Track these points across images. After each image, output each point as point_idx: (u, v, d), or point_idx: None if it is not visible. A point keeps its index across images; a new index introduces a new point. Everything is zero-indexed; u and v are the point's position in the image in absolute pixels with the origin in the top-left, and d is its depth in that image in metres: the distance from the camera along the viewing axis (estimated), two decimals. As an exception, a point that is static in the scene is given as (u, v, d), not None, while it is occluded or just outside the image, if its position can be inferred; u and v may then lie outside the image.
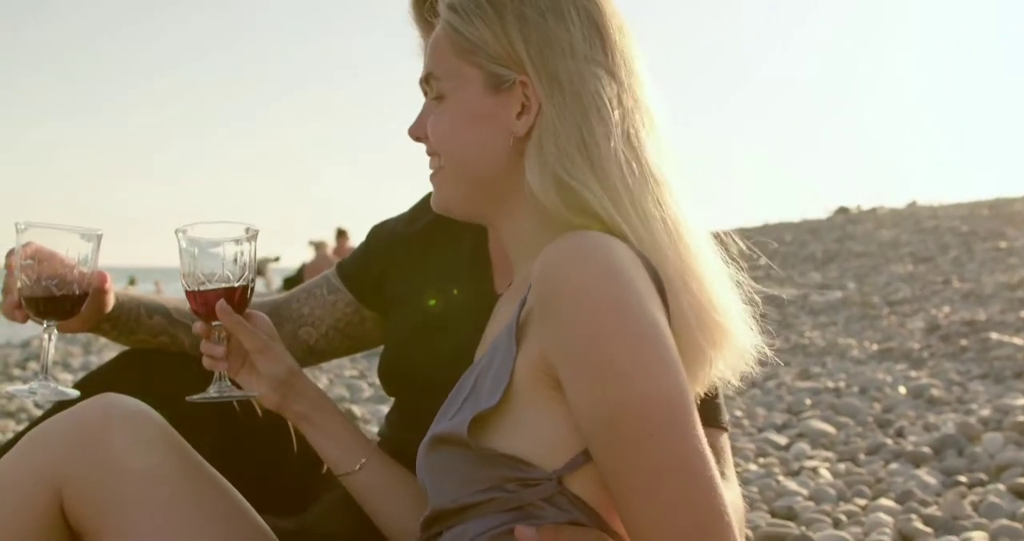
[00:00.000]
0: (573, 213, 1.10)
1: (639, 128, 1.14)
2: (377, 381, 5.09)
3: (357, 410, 4.17)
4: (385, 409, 4.26)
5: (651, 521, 0.96)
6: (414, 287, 1.61)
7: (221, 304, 1.32)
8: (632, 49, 1.17)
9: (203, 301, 1.33)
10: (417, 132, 1.24)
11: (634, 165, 1.11)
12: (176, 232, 1.33)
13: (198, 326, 1.35)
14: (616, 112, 1.12)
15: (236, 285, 1.33)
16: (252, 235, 1.34)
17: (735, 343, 1.14)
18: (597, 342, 0.97)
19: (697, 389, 1.15)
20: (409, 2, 1.58)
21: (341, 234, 14.75)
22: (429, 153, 1.23)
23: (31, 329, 1.57)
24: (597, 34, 1.15)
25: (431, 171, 1.24)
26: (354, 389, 4.97)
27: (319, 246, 14.59)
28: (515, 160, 1.15)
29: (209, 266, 1.32)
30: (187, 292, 1.35)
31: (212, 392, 1.34)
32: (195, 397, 1.34)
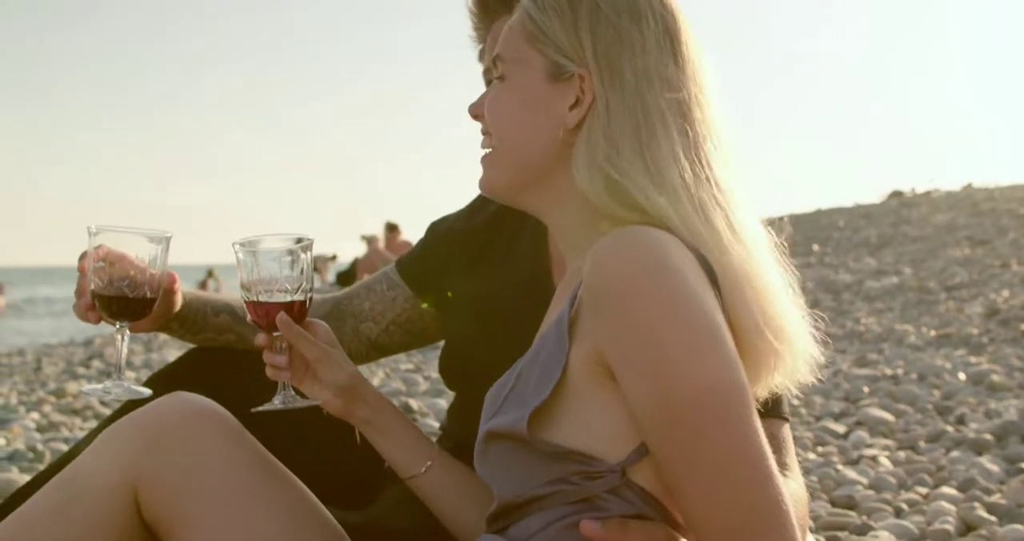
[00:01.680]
0: (621, 208, 1.11)
1: (704, 138, 1.15)
2: (433, 374, 5.13)
3: (413, 403, 4.21)
4: (441, 402, 4.30)
5: (708, 513, 0.97)
6: (474, 282, 1.63)
7: (281, 317, 1.32)
8: (703, 62, 1.19)
9: (263, 313, 1.34)
10: (476, 110, 1.28)
11: (696, 169, 1.12)
12: (233, 245, 1.35)
13: (260, 338, 1.36)
14: (680, 118, 1.14)
15: (295, 299, 1.34)
16: (307, 245, 1.35)
17: (795, 349, 1.14)
18: (651, 335, 0.99)
19: (759, 392, 1.15)
20: None
21: (392, 228, 14.83)
22: (483, 132, 1.26)
23: (93, 327, 1.61)
24: (670, 42, 1.17)
25: (483, 151, 1.27)
26: (410, 383, 5.02)
27: (370, 240, 14.69)
28: (564, 151, 1.17)
29: (267, 278, 1.33)
30: (246, 303, 1.36)
31: (277, 402, 1.35)
32: (260, 408, 1.35)
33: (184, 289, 1.64)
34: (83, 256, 1.46)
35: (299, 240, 1.35)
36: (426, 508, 1.39)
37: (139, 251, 1.45)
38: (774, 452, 1.36)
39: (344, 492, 1.51)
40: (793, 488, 1.33)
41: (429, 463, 1.37)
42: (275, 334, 1.35)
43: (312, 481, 1.35)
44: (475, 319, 1.60)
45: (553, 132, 1.17)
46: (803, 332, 1.16)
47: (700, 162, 1.13)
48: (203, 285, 18.80)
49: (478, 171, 1.28)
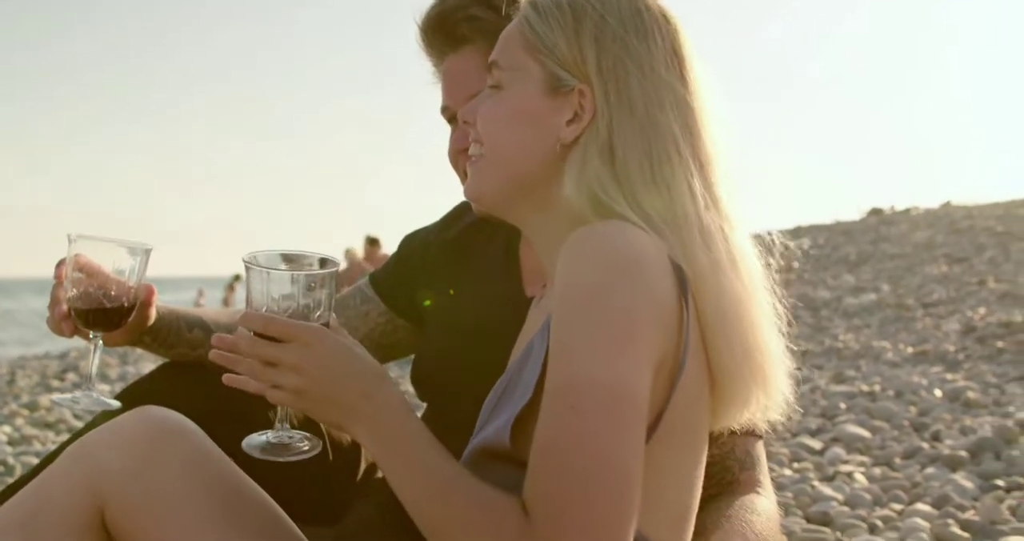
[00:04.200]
0: (602, 218, 1.10)
1: (711, 163, 1.14)
2: (409, 388, 5.11)
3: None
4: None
5: (538, 493, 0.98)
6: (447, 294, 1.63)
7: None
8: (709, 82, 1.17)
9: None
10: (468, 116, 1.24)
11: (706, 195, 1.12)
12: (245, 260, 1.15)
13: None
14: (689, 141, 1.12)
15: (319, 321, 1.13)
16: (330, 270, 1.15)
17: (771, 388, 1.14)
18: (565, 321, 1.01)
19: (729, 424, 1.16)
20: (421, 32, 1.58)
21: (372, 242, 14.79)
22: (473, 139, 1.23)
23: (70, 341, 1.60)
24: (676, 60, 1.15)
25: (472, 157, 1.24)
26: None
27: (348, 253, 14.65)
28: (556, 165, 1.15)
29: (282, 297, 1.14)
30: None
31: (271, 438, 1.21)
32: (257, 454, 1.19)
33: (158, 303, 1.63)
34: (60, 264, 1.44)
35: (323, 260, 1.17)
36: (396, 525, 1.38)
37: (118, 262, 1.44)
38: (746, 469, 1.39)
39: (314, 509, 1.50)
40: (765, 505, 1.34)
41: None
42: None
43: (282, 497, 1.34)
44: (448, 331, 1.60)
45: (548, 146, 1.15)
46: (781, 372, 1.16)
47: (709, 190, 1.12)
48: (231, 288, 18.38)
49: (468, 165, 1.24)
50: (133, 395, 1.59)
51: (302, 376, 1.07)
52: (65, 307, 1.43)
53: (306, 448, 1.20)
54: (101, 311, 1.42)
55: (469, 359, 1.48)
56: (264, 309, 1.13)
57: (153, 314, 1.60)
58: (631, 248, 1.03)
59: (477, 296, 1.59)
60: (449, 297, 1.63)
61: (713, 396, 1.12)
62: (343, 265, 14.97)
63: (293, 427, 1.21)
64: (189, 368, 1.67)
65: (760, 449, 1.42)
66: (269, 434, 1.21)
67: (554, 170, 1.16)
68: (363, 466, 1.74)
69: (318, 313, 1.13)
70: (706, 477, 1.15)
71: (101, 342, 1.45)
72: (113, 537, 1.23)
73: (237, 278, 22.36)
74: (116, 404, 1.41)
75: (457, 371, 1.39)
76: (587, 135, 1.13)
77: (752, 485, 1.36)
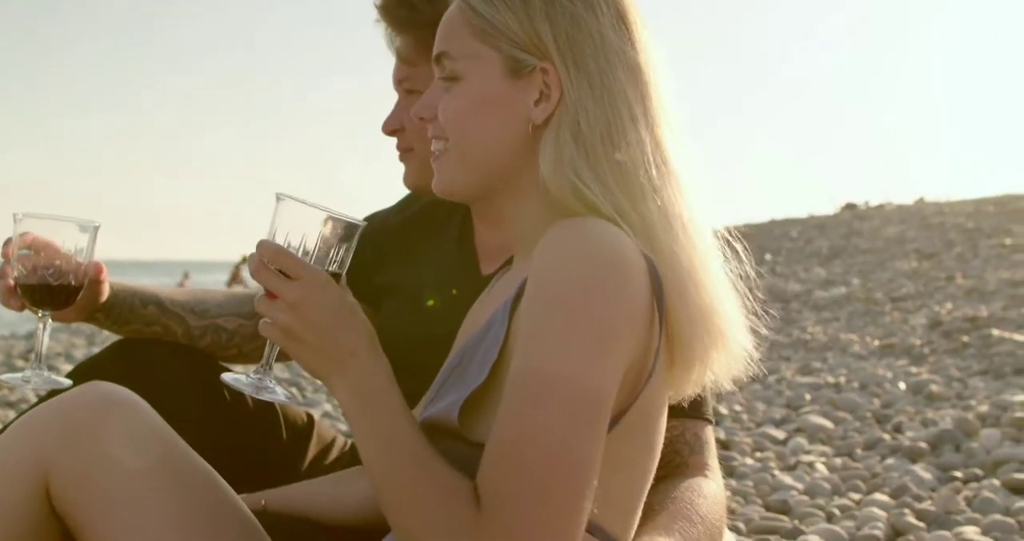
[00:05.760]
0: (584, 207, 1.09)
1: (664, 127, 1.14)
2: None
3: (331, 407, 4.19)
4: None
5: (491, 480, 0.98)
6: (404, 274, 1.63)
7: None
8: (654, 43, 1.16)
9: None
10: (424, 112, 1.20)
11: (661, 166, 1.11)
12: (278, 193, 1.12)
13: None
14: (645, 110, 1.11)
15: (331, 271, 1.11)
16: (357, 223, 1.12)
17: (732, 347, 1.14)
18: (540, 315, 1.00)
19: (691, 388, 1.16)
20: (380, 2, 1.58)
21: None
22: (433, 135, 1.19)
23: (33, 320, 1.58)
24: (624, 26, 1.14)
25: (434, 153, 1.20)
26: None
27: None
28: (529, 147, 1.14)
29: (304, 237, 1.11)
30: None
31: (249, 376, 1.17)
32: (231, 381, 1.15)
33: (112, 280, 1.62)
34: (7, 243, 1.43)
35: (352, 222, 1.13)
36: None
37: (66, 240, 1.42)
38: (695, 453, 1.39)
39: (260, 487, 1.49)
40: (712, 488, 1.35)
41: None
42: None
43: (229, 474, 1.34)
44: (405, 312, 1.60)
45: (519, 130, 1.13)
46: (740, 330, 1.16)
47: (663, 157, 1.12)
48: (236, 274, 17.92)
49: (431, 161, 1.20)
50: (84, 373, 1.58)
51: (297, 316, 1.05)
52: (12, 282, 1.41)
53: (279, 393, 1.16)
54: (47, 289, 1.40)
55: (427, 337, 1.48)
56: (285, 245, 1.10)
57: (106, 290, 1.59)
58: (613, 249, 1.03)
59: (434, 275, 1.59)
60: (406, 277, 1.63)
61: (671, 363, 1.12)
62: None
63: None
64: (141, 344, 1.66)
65: (709, 434, 1.43)
66: (247, 375, 1.17)
67: (527, 152, 1.14)
68: (312, 453, 1.74)
69: (332, 267, 1.11)
70: (655, 459, 1.15)
71: (50, 320, 1.44)
72: (59, 513, 1.22)
73: (244, 260, 21.96)
74: (67, 382, 1.40)
75: (409, 348, 1.39)
76: (558, 114, 1.11)
77: (700, 468, 1.37)
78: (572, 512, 0.97)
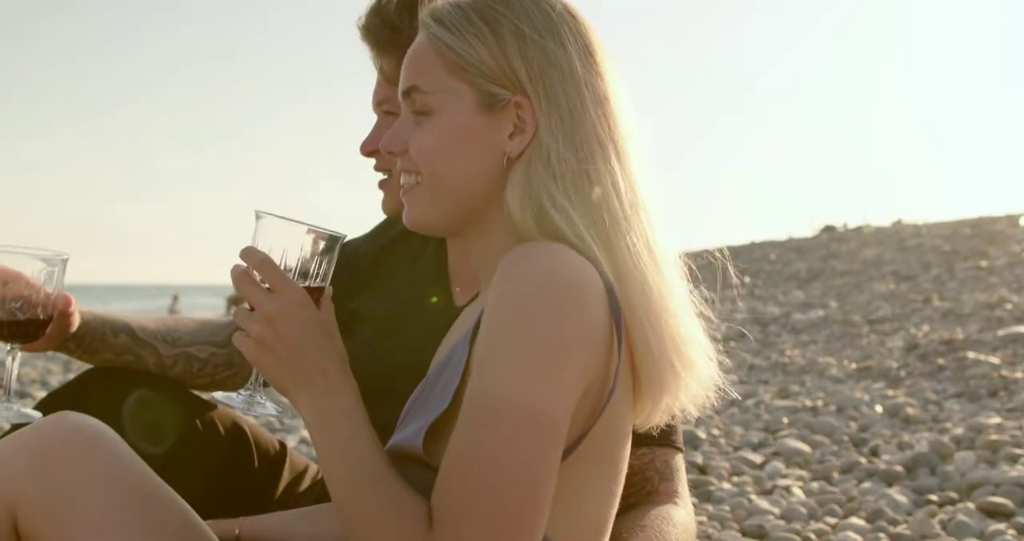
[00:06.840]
0: (546, 235, 1.10)
1: (633, 155, 1.15)
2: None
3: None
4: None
5: (452, 501, 0.98)
6: (377, 302, 1.63)
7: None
8: (617, 73, 1.17)
9: None
10: (393, 146, 1.18)
11: (630, 196, 1.12)
12: (257, 210, 1.15)
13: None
14: (613, 140, 1.12)
15: (313, 285, 1.14)
16: (337, 236, 1.16)
17: (700, 374, 1.16)
18: (494, 337, 1.01)
19: (658, 416, 1.16)
20: (363, 23, 1.58)
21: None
22: (404, 169, 1.19)
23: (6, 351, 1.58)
24: (591, 57, 1.15)
25: (403, 187, 1.20)
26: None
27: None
28: (502, 180, 1.14)
29: (284, 254, 1.13)
30: None
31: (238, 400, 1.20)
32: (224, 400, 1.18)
33: (83, 309, 1.61)
34: None
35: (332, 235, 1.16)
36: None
37: (35, 272, 1.42)
38: (665, 480, 1.40)
39: (238, 512, 1.49)
40: (682, 515, 1.35)
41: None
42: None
43: (205, 501, 1.33)
44: (377, 338, 1.60)
45: (493, 163, 1.14)
46: (706, 357, 1.17)
47: (631, 185, 1.13)
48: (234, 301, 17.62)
49: (401, 194, 1.21)
50: (53, 403, 1.57)
51: (271, 329, 1.08)
52: None
53: (269, 408, 1.20)
54: (15, 323, 1.40)
55: (396, 367, 1.49)
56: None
57: (76, 322, 1.58)
58: (568, 274, 1.03)
59: (406, 303, 1.59)
60: (379, 305, 1.63)
61: (637, 391, 1.13)
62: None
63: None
64: (110, 373, 1.66)
65: (680, 461, 1.43)
66: (238, 393, 1.21)
67: (499, 186, 1.15)
68: (285, 481, 1.73)
69: (314, 282, 1.13)
70: (625, 487, 1.16)
71: (20, 353, 1.44)
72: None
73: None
74: (37, 415, 1.39)
75: (380, 378, 1.39)
76: (531, 148, 1.12)
77: (670, 496, 1.38)
78: (523, 531, 0.97)
